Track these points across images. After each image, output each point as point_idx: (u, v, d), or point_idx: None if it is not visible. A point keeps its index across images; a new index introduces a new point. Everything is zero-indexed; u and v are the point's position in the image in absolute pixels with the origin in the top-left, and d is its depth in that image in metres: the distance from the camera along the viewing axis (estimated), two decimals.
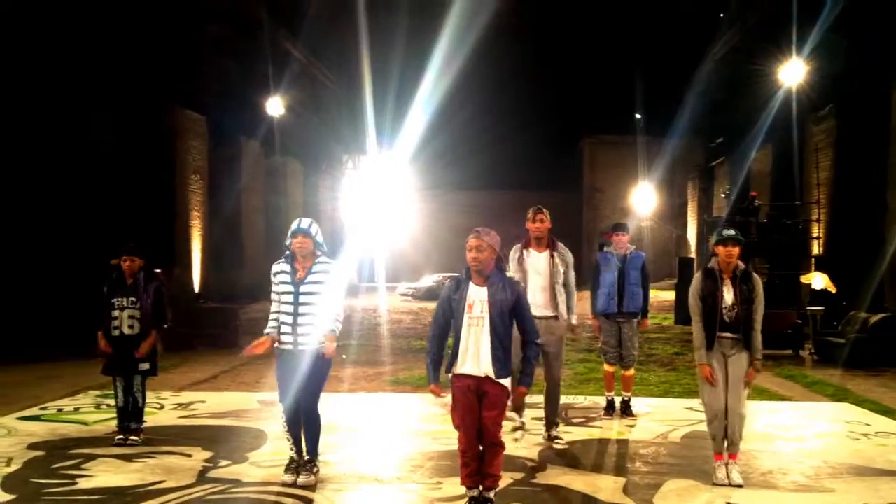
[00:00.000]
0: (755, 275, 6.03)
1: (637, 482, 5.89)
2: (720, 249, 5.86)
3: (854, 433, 7.60)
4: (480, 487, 5.00)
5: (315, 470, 5.88)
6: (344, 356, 12.75)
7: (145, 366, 7.05)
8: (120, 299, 6.98)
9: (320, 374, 5.85)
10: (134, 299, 6.97)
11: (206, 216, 20.61)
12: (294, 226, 5.89)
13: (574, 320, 7.16)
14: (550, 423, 7.11)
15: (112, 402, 7.31)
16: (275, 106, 24.04)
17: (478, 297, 4.97)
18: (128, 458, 6.45)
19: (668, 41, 31.90)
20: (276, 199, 28.26)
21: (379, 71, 30.69)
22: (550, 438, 7.04)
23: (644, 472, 6.16)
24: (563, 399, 9.21)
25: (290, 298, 5.80)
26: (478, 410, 4.94)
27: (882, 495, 5.56)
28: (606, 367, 8.37)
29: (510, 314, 4.98)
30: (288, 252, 5.90)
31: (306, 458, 5.88)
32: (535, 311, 6.34)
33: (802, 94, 18.89)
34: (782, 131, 20.13)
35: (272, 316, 5.90)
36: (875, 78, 16.34)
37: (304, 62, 29.65)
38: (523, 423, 7.31)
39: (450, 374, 5.04)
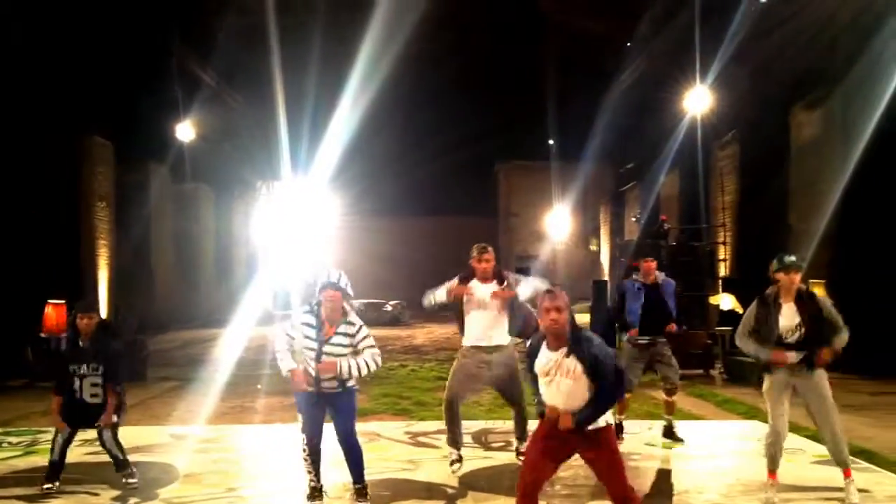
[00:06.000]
0: (818, 293, 5.89)
1: None
2: (782, 276, 5.70)
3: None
4: None
5: (367, 495, 5.87)
6: (259, 386, 12.48)
7: (115, 418, 6.38)
8: (76, 366, 6.21)
9: (350, 407, 5.89)
10: (95, 365, 6.22)
11: (114, 244, 20.00)
12: (323, 279, 5.64)
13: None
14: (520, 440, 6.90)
15: (15, 439, 6.92)
16: (184, 131, 23.58)
17: (555, 361, 4.42)
18: (32, 498, 6.15)
19: (579, 68, 32.58)
20: (186, 225, 27.66)
21: (293, 97, 30.35)
22: (518, 454, 6.81)
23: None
24: None
25: (312, 354, 5.66)
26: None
27: None
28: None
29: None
30: (315, 304, 5.69)
31: (356, 486, 5.88)
32: (484, 344, 6.43)
33: (707, 121, 19.52)
34: (689, 156, 20.74)
35: (283, 352, 5.70)
36: (775, 104, 16.98)
37: (215, 87, 29.19)
38: (461, 457, 6.75)
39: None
